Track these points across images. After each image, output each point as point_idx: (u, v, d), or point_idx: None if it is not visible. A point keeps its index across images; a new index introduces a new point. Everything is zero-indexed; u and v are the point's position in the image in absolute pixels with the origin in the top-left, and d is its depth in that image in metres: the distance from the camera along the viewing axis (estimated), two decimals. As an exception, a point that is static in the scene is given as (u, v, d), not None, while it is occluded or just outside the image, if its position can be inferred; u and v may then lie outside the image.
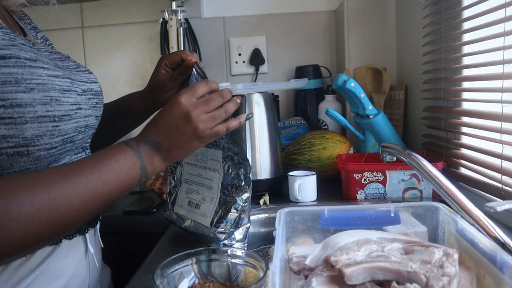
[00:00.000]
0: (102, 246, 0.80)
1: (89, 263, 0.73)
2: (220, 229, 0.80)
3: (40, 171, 0.56)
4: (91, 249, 0.73)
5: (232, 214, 0.80)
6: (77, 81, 0.69)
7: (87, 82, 0.73)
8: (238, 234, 0.81)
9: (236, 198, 0.79)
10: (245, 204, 0.80)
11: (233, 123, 0.72)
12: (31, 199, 0.51)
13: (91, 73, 0.78)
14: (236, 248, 0.72)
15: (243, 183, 0.80)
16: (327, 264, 0.57)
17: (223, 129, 0.70)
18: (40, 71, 0.59)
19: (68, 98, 0.63)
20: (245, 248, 0.79)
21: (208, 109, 0.68)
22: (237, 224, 0.80)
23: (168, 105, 0.68)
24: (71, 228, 0.58)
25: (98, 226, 0.78)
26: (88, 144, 0.75)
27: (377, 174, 1.09)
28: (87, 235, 0.72)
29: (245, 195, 0.80)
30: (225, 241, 0.80)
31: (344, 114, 1.61)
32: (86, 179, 0.57)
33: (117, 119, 0.94)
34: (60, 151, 0.63)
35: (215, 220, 0.81)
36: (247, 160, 0.80)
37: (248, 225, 0.82)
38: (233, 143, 0.80)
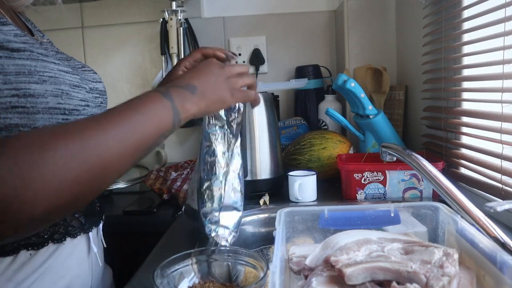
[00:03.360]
0: (105, 246, 0.80)
1: (91, 263, 0.73)
2: (203, 210, 0.77)
3: (74, 121, 0.55)
4: (94, 248, 0.73)
5: (215, 191, 0.77)
6: (84, 79, 0.71)
7: (93, 81, 0.76)
8: (225, 219, 0.77)
9: (214, 175, 0.77)
10: (224, 180, 0.77)
11: (258, 94, 0.76)
12: (64, 144, 0.47)
13: (95, 73, 0.81)
14: (236, 248, 0.72)
15: (217, 158, 0.78)
16: (327, 264, 0.57)
17: (253, 93, 0.73)
18: (52, 66, 0.62)
19: (77, 93, 0.66)
20: (235, 236, 0.78)
21: (234, 71, 0.71)
22: (220, 201, 0.77)
23: (201, 62, 0.72)
24: (105, 182, 0.53)
25: (101, 225, 0.78)
26: None
27: (377, 174, 1.09)
28: (90, 234, 0.72)
29: (223, 170, 0.78)
30: (211, 225, 0.76)
31: (344, 114, 1.61)
32: (118, 128, 0.53)
33: None
34: None
35: (199, 201, 0.78)
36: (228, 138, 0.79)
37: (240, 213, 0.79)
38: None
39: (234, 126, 0.80)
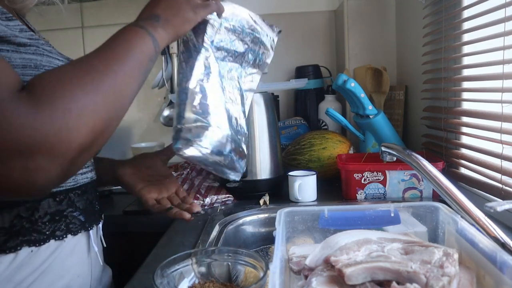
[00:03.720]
0: (105, 246, 0.80)
1: (91, 263, 0.73)
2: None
3: (76, 63, 0.57)
4: (94, 247, 0.73)
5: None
6: None
7: None
8: (207, 139, 0.67)
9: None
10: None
11: (219, 3, 0.75)
12: (81, 90, 0.51)
13: None
14: (236, 248, 0.72)
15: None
16: (327, 264, 0.57)
17: (214, 3, 0.73)
18: (57, 62, 0.64)
19: None
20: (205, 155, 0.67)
21: None
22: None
23: None
24: (124, 104, 0.58)
25: (100, 225, 0.78)
26: None
27: (377, 174, 1.09)
28: (91, 232, 0.73)
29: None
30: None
31: (344, 114, 1.61)
32: (118, 62, 0.58)
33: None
34: None
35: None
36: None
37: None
38: None
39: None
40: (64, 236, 0.66)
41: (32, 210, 0.63)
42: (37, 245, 0.63)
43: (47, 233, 0.64)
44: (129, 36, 0.63)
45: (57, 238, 0.65)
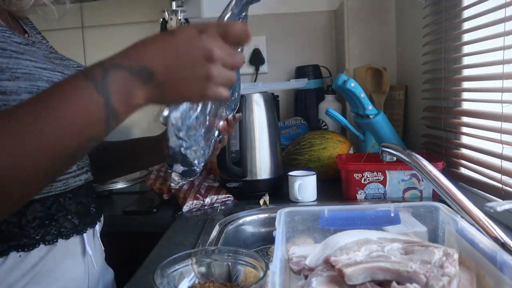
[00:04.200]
0: (103, 248, 0.79)
1: (87, 266, 0.72)
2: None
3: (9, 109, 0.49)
4: (89, 251, 0.71)
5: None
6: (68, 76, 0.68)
7: None
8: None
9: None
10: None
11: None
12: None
13: None
14: (236, 248, 0.72)
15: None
16: (327, 264, 0.57)
17: (227, 97, 0.55)
18: (27, 63, 0.59)
19: None
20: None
21: (229, 61, 0.52)
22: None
23: (191, 30, 0.51)
24: (31, 177, 0.47)
25: (97, 227, 0.76)
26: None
27: (377, 174, 1.09)
28: (84, 235, 0.71)
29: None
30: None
31: (344, 114, 1.60)
32: (37, 116, 0.46)
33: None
34: None
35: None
36: None
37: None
38: None
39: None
40: (55, 240, 0.65)
41: (19, 216, 0.61)
42: (26, 250, 0.61)
43: (37, 237, 0.62)
44: (73, 96, 0.47)
45: (47, 243, 0.64)
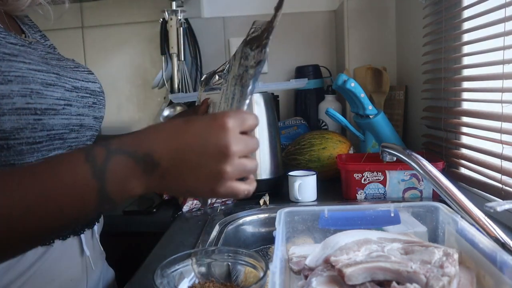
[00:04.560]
0: (101, 250, 0.78)
1: (86, 267, 0.72)
2: None
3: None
4: (86, 252, 0.71)
5: None
6: (66, 77, 0.67)
7: (82, 81, 0.72)
8: None
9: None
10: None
11: (253, 186, 0.53)
12: None
13: (91, 73, 0.78)
14: (236, 248, 0.72)
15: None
16: (327, 264, 0.57)
17: (245, 191, 0.51)
18: (20, 65, 0.58)
19: (52, 92, 0.62)
20: None
21: (244, 153, 0.49)
22: None
23: (205, 121, 0.48)
24: (13, 244, 0.45)
25: (96, 228, 0.76)
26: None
27: (377, 174, 1.09)
28: (82, 236, 0.70)
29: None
30: None
31: (344, 114, 1.61)
32: (27, 188, 0.44)
33: None
34: (47, 147, 0.62)
35: None
36: None
37: None
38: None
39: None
40: (51, 241, 0.64)
41: None
42: None
43: None
44: (68, 181, 0.45)
45: (43, 244, 0.63)
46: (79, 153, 0.46)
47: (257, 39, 0.58)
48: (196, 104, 0.85)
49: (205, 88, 0.81)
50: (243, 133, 0.49)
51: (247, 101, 0.55)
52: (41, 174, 0.45)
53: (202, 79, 0.84)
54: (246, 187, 0.51)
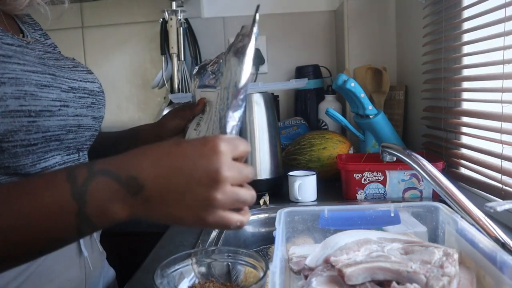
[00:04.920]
0: (100, 250, 0.78)
1: (84, 267, 0.71)
2: None
3: None
4: (85, 252, 0.70)
5: None
6: (63, 78, 0.67)
7: (80, 81, 0.71)
8: None
9: None
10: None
11: (247, 217, 0.49)
12: None
13: (91, 73, 0.77)
14: (236, 248, 0.72)
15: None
16: (327, 264, 0.57)
17: (237, 222, 0.47)
18: (14, 66, 0.58)
19: (47, 93, 0.61)
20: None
21: (237, 180, 0.46)
22: None
23: (195, 144, 0.46)
24: None
25: None
26: (85, 146, 0.73)
27: (377, 174, 1.09)
28: None
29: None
30: None
31: (344, 114, 1.61)
32: (5, 208, 0.43)
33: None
34: (43, 149, 0.62)
35: None
36: None
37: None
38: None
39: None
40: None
41: None
42: None
43: None
44: (47, 204, 0.43)
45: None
46: (62, 172, 0.45)
47: (241, 52, 0.58)
48: (191, 99, 0.82)
49: (199, 84, 0.80)
50: (236, 160, 0.47)
51: (242, 109, 0.54)
52: (23, 194, 0.44)
53: (194, 72, 0.82)
54: (239, 218, 0.47)
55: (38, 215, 0.43)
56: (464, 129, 1.04)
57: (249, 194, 0.47)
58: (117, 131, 0.91)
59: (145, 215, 0.45)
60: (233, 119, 0.53)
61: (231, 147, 0.46)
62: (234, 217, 0.47)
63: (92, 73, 0.77)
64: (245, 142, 0.49)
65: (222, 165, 0.44)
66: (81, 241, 0.70)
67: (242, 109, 0.54)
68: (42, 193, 0.44)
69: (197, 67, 0.82)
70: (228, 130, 0.52)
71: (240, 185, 0.47)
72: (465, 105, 1.05)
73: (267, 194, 1.15)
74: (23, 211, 0.43)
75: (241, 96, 0.53)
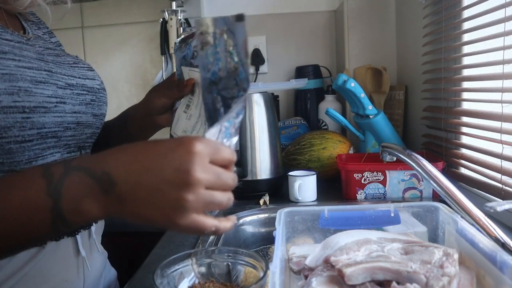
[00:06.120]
0: (100, 251, 0.77)
1: (82, 268, 0.70)
2: None
3: None
4: (82, 252, 0.69)
5: None
6: (61, 74, 0.66)
7: (79, 78, 0.71)
8: None
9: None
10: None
11: (225, 225, 0.49)
12: None
13: (91, 70, 0.76)
14: (236, 248, 0.72)
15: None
16: (327, 264, 0.57)
17: (211, 228, 0.46)
18: (9, 62, 0.57)
19: (42, 90, 0.61)
20: None
21: (214, 185, 0.45)
22: None
23: (170, 143, 0.45)
24: None
25: (93, 228, 0.74)
26: (87, 144, 0.73)
27: (377, 174, 1.09)
28: (78, 237, 0.68)
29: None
30: None
31: (344, 114, 1.61)
32: None
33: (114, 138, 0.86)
34: (40, 146, 0.61)
35: None
36: None
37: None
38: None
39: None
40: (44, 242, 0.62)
41: None
42: None
43: None
44: (22, 199, 0.44)
45: None
46: (39, 168, 0.45)
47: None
48: (178, 76, 0.76)
49: (184, 62, 0.76)
50: (220, 165, 0.46)
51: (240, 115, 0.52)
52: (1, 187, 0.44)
53: (175, 48, 0.77)
54: (214, 223, 0.46)
55: (14, 210, 0.43)
56: (464, 129, 1.04)
57: (225, 197, 0.46)
58: (106, 121, 0.86)
59: (118, 213, 0.45)
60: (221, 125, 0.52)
61: (210, 150, 0.45)
62: (209, 222, 0.46)
63: (93, 70, 0.77)
64: (230, 150, 0.48)
65: (194, 166, 0.43)
66: (79, 241, 0.69)
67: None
68: (19, 188, 0.44)
69: (178, 42, 0.77)
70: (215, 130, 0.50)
71: (218, 190, 0.46)
72: (465, 105, 1.05)
73: (267, 194, 1.15)
74: (2, 205, 0.44)
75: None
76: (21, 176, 0.46)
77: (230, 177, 0.47)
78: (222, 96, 0.57)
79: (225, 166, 0.47)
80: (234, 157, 0.48)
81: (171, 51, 1.66)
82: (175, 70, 0.78)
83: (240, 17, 0.51)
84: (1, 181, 0.46)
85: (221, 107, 0.57)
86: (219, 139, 0.51)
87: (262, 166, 1.17)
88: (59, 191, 0.43)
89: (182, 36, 0.77)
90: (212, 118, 0.59)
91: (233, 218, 0.51)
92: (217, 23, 0.56)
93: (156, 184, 0.43)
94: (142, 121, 0.81)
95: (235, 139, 0.53)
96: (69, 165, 0.45)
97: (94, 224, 0.74)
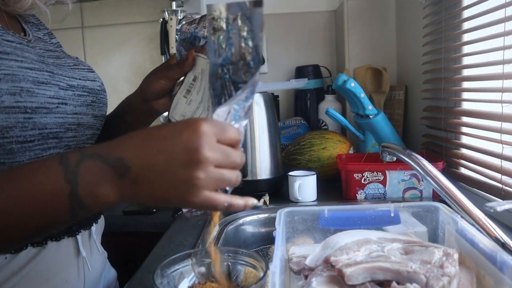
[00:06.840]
0: (100, 251, 0.77)
1: (83, 268, 0.70)
2: None
3: None
4: (83, 252, 0.69)
5: None
6: (62, 76, 0.66)
7: (79, 79, 0.71)
8: None
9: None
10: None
11: (237, 202, 0.49)
12: None
13: (92, 71, 0.76)
14: (236, 248, 0.72)
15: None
16: (327, 264, 0.57)
17: (224, 203, 0.48)
18: (11, 63, 0.58)
19: (44, 90, 0.61)
20: None
21: (223, 163, 0.46)
22: None
23: (178, 124, 0.47)
24: None
25: (93, 228, 0.74)
26: (87, 145, 0.73)
27: (377, 174, 1.09)
28: (78, 237, 0.69)
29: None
30: None
31: (344, 114, 1.61)
32: (2, 190, 0.45)
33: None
34: (41, 146, 0.61)
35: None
36: None
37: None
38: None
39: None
40: (44, 242, 0.63)
41: None
42: (13, 252, 0.60)
43: None
44: (43, 173, 0.46)
45: (36, 245, 0.62)
46: (55, 157, 0.47)
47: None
48: (179, 57, 0.75)
49: (183, 43, 0.74)
50: (227, 144, 0.47)
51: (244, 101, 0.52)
52: (17, 177, 0.46)
53: (178, 27, 0.74)
54: (226, 199, 0.48)
55: (32, 197, 0.45)
56: (464, 129, 1.04)
57: (234, 175, 0.48)
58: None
59: (134, 196, 0.46)
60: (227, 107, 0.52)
61: (216, 130, 0.46)
62: (221, 198, 0.47)
63: (93, 71, 0.77)
64: (236, 129, 0.49)
65: (202, 145, 0.44)
66: (80, 241, 0.69)
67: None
68: (36, 176, 0.46)
69: (180, 25, 0.75)
70: (221, 111, 0.51)
71: (227, 168, 0.47)
72: (465, 105, 1.05)
73: (267, 194, 1.15)
74: (17, 194, 0.45)
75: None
76: (39, 163, 0.48)
77: (238, 155, 0.48)
78: (233, 80, 0.57)
79: (232, 145, 0.48)
80: (240, 136, 0.49)
81: (171, 51, 1.66)
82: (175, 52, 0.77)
83: (258, 3, 0.52)
84: (19, 168, 0.48)
85: (233, 90, 0.57)
86: (228, 120, 0.52)
87: (262, 166, 1.17)
88: (75, 176, 0.45)
89: (183, 23, 0.76)
90: (220, 103, 0.59)
91: (250, 200, 0.51)
92: (231, 9, 0.56)
93: (167, 164, 0.44)
94: (139, 108, 0.80)
95: (245, 122, 0.54)
96: (84, 152, 0.47)
97: (94, 224, 0.74)
